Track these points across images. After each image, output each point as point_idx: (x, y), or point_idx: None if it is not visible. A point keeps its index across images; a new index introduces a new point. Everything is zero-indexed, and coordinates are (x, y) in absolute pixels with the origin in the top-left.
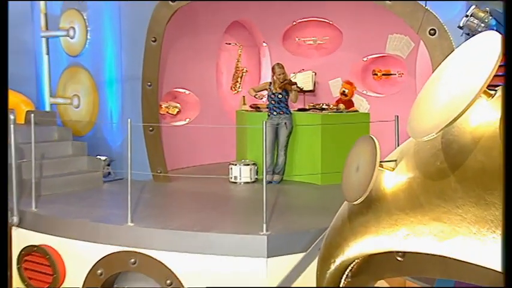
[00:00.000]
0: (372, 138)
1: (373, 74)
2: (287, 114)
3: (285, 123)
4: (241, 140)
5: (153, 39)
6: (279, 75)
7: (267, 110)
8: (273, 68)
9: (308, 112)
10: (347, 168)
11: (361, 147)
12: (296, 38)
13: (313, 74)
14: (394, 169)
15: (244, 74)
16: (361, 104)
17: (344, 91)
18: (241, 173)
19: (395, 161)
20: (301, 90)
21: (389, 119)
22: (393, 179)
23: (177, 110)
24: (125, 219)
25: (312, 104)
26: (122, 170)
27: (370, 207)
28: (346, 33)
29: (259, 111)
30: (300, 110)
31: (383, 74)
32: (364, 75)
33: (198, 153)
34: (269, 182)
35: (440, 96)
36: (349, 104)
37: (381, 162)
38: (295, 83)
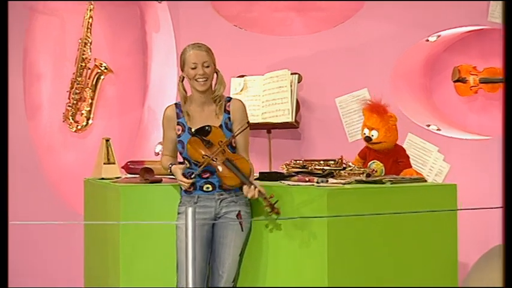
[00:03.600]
0: None
1: (457, 80)
2: (239, 190)
3: (238, 214)
4: (101, 261)
5: None
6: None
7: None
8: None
9: (289, 183)
10: None
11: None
12: None
13: (296, 77)
14: None
15: (101, 77)
16: (426, 158)
17: (369, 136)
18: None
19: None
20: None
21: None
22: None
23: None
24: None
25: (297, 161)
26: None
27: None
28: None
29: (152, 180)
30: (265, 176)
31: (482, 80)
32: (429, 82)
33: None
34: None
35: None
36: (397, 159)
37: None
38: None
